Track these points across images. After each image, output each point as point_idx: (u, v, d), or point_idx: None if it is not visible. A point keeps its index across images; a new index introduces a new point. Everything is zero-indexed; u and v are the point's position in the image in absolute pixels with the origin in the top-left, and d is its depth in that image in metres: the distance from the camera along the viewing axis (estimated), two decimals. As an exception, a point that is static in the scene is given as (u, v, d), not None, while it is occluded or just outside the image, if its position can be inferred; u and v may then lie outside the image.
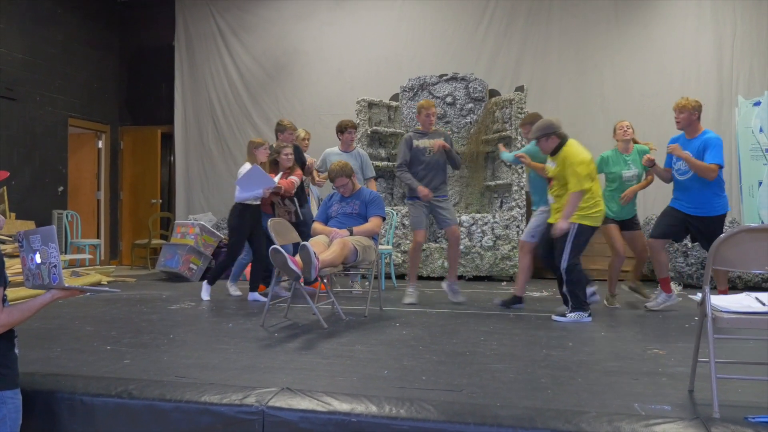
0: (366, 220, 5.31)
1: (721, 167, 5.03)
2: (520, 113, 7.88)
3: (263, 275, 6.26)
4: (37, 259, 2.62)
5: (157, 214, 10.29)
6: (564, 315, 4.94)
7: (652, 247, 5.40)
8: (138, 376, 3.19)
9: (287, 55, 9.98)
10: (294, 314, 5.19)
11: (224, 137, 10.21)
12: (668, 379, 3.21)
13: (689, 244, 7.23)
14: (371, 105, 8.56)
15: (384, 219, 5.39)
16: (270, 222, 5.05)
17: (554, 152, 5.07)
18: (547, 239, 5.17)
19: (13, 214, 8.27)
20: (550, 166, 5.18)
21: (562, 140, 5.04)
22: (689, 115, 5.19)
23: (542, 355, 3.76)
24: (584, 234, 4.95)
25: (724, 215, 5.21)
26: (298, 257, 4.54)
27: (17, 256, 6.98)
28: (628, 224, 5.78)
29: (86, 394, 2.83)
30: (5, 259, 6.78)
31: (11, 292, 5.71)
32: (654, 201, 8.49)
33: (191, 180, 10.39)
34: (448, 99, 8.51)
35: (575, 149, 4.98)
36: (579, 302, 4.91)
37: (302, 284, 4.66)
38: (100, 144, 10.50)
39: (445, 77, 8.55)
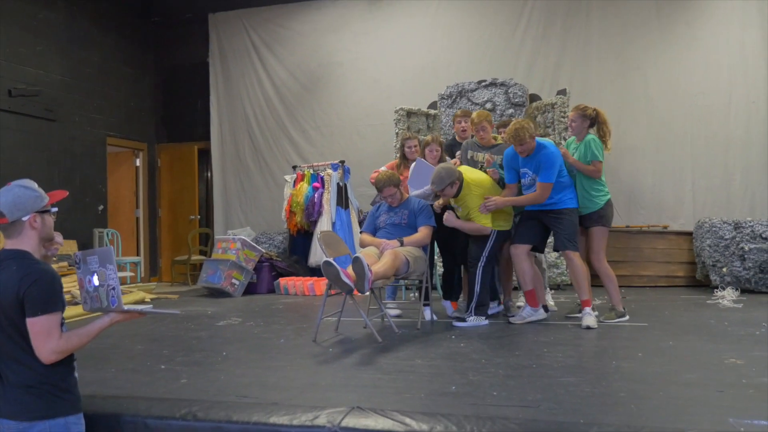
0: (415, 230, 5.17)
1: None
2: (563, 117, 7.70)
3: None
4: (95, 281, 2.54)
5: (195, 230, 10.29)
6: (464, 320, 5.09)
7: (514, 255, 5.08)
8: (198, 396, 3.09)
9: (322, 67, 9.92)
10: (344, 328, 5.07)
11: (261, 151, 10.18)
12: (756, 391, 3.01)
13: (746, 248, 6.96)
14: (409, 114, 8.45)
15: (434, 228, 5.24)
16: (321, 234, 4.95)
17: (456, 194, 5.11)
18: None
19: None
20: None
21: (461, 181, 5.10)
22: (528, 145, 4.86)
23: (613, 366, 3.58)
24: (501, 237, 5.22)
25: (574, 209, 5.03)
26: (350, 269, 4.43)
27: (68, 275, 6.99)
28: (584, 221, 5.20)
29: (150, 417, 2.74)
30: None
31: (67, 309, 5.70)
32: (704, 203, 8.27)
33: (229, 195, 10.37)
34: (488, 105, 8.34)
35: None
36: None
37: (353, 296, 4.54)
38: (138, 162, 10.54)
39: (483, 83, 8.40)
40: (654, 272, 7.85)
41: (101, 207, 9.59)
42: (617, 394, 3.01)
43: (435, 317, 5.42)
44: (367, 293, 4.73)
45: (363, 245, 5.20)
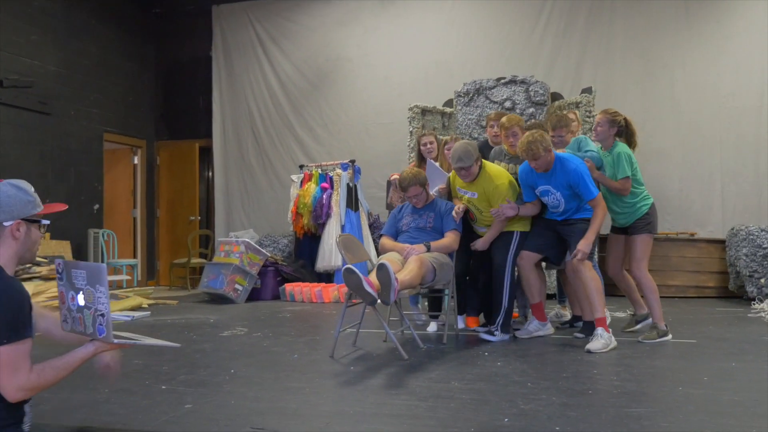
0: (441, 235, 4.71)
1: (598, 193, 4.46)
2: (589, 117, 7.24)
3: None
4: (80, 300, 2.09)
5: (195, 232, 9.80)
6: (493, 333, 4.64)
7: (520, 265, 4.66)
8: (206, 427, 2.63)
9: (330, 63, 9.48)
10: (361, 341, 4.60)
11: (265, 150, 9.72)
12: None
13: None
14: (424, 112, 7.98)
15: (461, 233, 4.77)
16: (339, 237, 4.49)
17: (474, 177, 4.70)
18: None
19: (47, 234, 7.83)
20: (466, 195, 4.76)
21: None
22: (543, 159, 4.31)
23: (681, 393, 3.12)
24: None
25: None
26: (373, 277, 3.97)
27: (53, 279, 6.51)
28: (629, 229, 4.74)
29: (150, 458, 2.27)
30: (39, 282, 6.18)
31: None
32: (734, 209, 7.83)
33: (231, 195, 9.91)
34: (507, 104, 7.87)
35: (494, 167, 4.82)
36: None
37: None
38: (136, 159, 10.07)
39: (503, 80, 7.93)
40: (682, 282, 7.41)
41: (97, 206, 9.11)
42: (703, 431, 2.55)
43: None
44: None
45: (384, 250, 4.73)
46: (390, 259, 4.32)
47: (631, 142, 4.79)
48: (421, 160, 5.55)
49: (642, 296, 4.79)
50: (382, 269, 3.86)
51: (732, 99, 7.91)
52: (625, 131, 4.77)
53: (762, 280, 6.58)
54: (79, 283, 2.08)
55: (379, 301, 3.90)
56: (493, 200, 4.62)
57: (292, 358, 4.11)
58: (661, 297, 4.74)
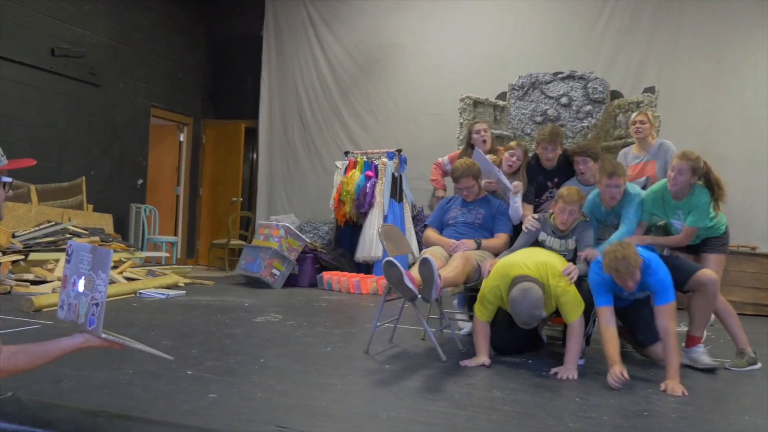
0: (489, 233, 4.44)
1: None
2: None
3: None
4: (80, 286, 1.92)
5: (237, 214, 9.71)
6: None
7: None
8: (228, 421, 2.46)
9: (382, 49, 9.25)
10: (398, 337, 4.38)
11: (311, 134, 9.55)
12: None
13: None
14: (476, 103, 7.70)
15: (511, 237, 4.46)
16: (382, 227, 4.28)
17: None
18: None
19: (90, 206, 7.81)
20: None
21: None
22: (636, 276, 3.46)
23: (747, 423, 2.83)
24: None
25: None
26: (415, 272, 3.75)
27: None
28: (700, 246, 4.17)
29: (164, 453, 2.10)
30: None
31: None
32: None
33: (274, 179, 9.78)
34: (563, 100, 7.54)
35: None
36: None
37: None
38: (182, 137, 10.01)
39: (560, 75, 7.59)
40: (740, 298, 6.99)
41: (140, 181, 9.08)
42: (775, 469, 2.28)
43: None
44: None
45: (428, 242, 4.48)
46: (434, 254, 4.08)
47: (715, 191, 3.99)
48: (469, 147, 5.24)
49: (720, 320, 4.25)
50: (425, 264, 3.63)
51: (806, 107, 7.44)
52: (705, 178, 4.02)
53: (828, 302, 6.15)
54: (83, 267, 1.92)
55: (419, 297, 3.68)
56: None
57: (325, 351, 3.93)
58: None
